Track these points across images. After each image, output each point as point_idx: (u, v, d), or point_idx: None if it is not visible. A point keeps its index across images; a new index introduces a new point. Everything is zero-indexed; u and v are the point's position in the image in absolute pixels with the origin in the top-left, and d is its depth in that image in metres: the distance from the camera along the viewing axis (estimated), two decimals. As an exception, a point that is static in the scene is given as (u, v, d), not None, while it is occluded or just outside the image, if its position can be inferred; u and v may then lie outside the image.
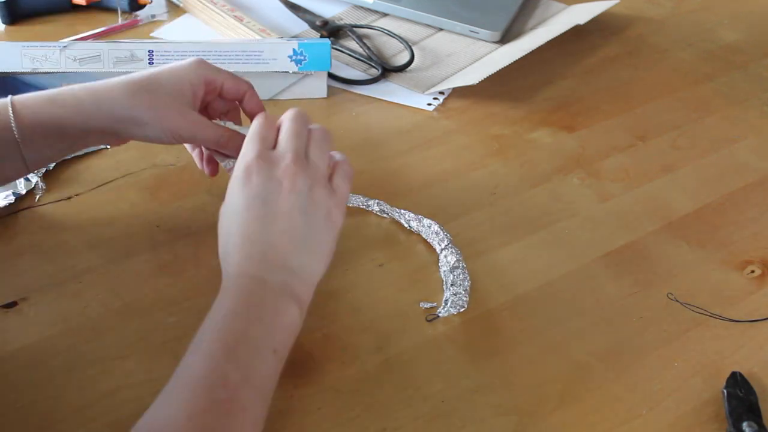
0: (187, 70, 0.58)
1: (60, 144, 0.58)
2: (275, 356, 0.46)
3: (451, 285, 0.60)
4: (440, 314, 0.58)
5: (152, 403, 0.42)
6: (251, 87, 0.61)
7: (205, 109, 0.62)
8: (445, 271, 0.61)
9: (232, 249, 0.50)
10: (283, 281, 0.48)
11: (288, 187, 0.50)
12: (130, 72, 0.59)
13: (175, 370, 0.44)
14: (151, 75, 0.58)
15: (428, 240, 0.64)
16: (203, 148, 0.64)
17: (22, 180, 0.66)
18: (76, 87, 0.57)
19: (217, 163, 0.63)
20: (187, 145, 0.65)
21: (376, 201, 0.67)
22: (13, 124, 0.55)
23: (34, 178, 0.67)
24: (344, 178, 0.54)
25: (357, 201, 0.67)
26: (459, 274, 0.60)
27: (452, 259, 0.61)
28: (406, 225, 0.66)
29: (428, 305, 0.59)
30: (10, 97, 0.56)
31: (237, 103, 0.63)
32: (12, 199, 0.65)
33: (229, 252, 0.50)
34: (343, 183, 0.54)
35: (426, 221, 0.65)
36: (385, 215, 0.67)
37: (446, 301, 0.59)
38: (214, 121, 0.61)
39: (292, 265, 0.49)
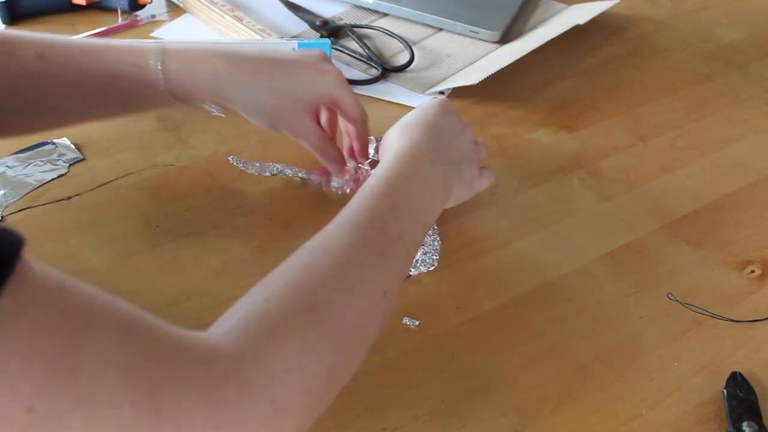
0: (324, 84, 0.62)
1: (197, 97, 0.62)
2: (423, 230, 0.52)
3: (422, 245, 0.61)
4: (411, 274, 0.60)
5: (320, 231, 0.47)
6: (364, 117, 0.64)
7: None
8: None
9: (409, 129, 0.57)
10: (443, 171, 0.56)
11: (460, 126, 0.60)
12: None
13: (342, 210, 0.49)
14: (289, 77, 0.61)
15: None
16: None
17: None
18: (220, 52, 0.60)
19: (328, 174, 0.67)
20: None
21: None
22: (160, 72, 0.59)
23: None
24: (490, 175, 0.63)
25: None
26: (429, 234, 0.62)
27: None
28: None
29: (411, 323, 0.58)
30: (164, 44, 0.60)
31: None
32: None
33: (404, 130, 0.57)
34: (487, 175, 0.63)
35: None
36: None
37: (416, 261, 0.60)
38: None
39: (446, 169, 0.56)
